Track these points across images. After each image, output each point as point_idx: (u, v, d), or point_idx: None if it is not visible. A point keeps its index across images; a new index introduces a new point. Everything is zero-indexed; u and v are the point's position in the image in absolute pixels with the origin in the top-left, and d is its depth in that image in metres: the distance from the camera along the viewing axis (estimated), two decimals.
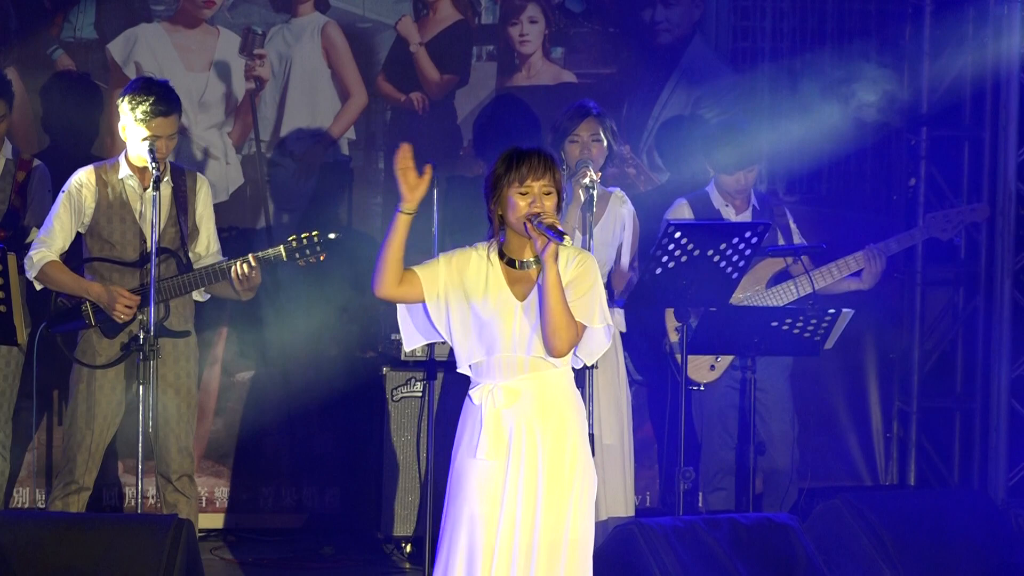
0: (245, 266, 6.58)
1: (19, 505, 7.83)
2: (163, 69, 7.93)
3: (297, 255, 6.68)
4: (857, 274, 7.39)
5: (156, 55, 8.08)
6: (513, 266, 5.18)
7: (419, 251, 7.64)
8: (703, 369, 7.37)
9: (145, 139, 6.52)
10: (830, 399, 8.48)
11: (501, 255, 5.19)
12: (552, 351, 5.12)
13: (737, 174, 7.35)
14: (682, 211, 7.41)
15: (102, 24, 8.05)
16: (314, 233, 6.69)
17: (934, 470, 8.65)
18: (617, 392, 6.97)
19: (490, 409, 5.15)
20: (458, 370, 5.24)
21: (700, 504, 7.95)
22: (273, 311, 8.08)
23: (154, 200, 6.40)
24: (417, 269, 5.18)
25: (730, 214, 7.42)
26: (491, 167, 5.17)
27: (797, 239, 7.50)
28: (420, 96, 8.34)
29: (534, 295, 5.15)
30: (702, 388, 7.36)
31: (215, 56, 8.16)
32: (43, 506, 7.53)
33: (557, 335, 5.09)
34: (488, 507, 5.11)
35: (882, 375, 8.63)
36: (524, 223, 5.07)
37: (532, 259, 5.17)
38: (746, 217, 7.41)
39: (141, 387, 6.40)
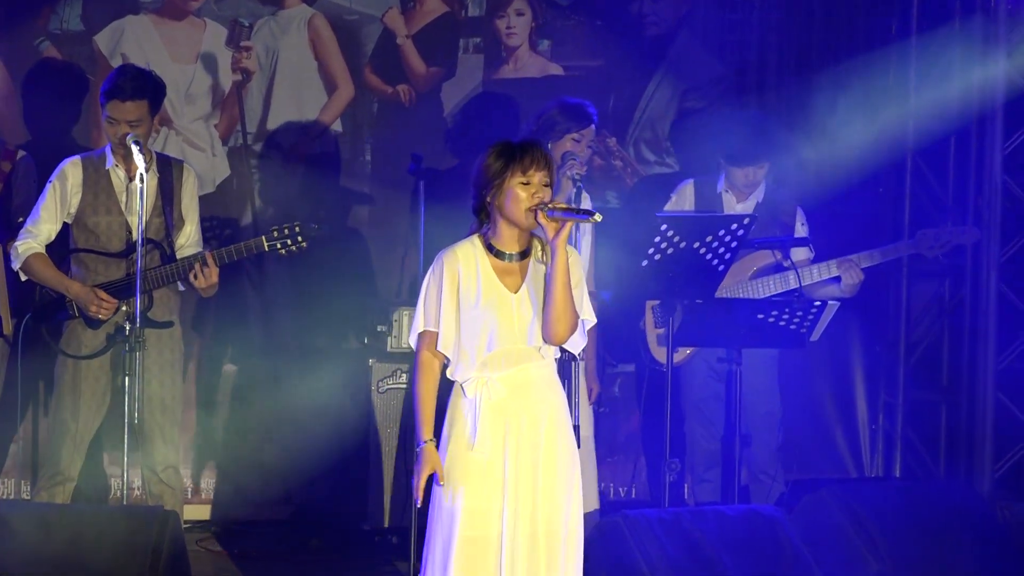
0: (203, 267, 6.57)
1: (4, 496, 7.81)
2: (150, 61, 7.90)
3: (278, 245, 6.68)
4: (837, 279, 7.35)
5: (143, 47, 8.06)
6: (501, 258, 5.19)
7: (408, 243, 7.69)
8: (662, 349, 7.32)
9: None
10: (816, 391, 8.47)
11: (489, 248, 5.20)
12: (553, 337, 5.13)
13: (747, 168, 7.34)
14: (687, 191, 7.44)
15: (89, 16, 8.04)
16: (295, 224, 6.70)
17: (920, 462, 8.65)
18: (587, 384, 7.00)
19: (487, 401, 5.14)
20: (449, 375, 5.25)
21: (687, 496, 7.95)
22: (259, 303, 8.07)
23: (140, 191, 6.39)
24: (438, 340, 5.18)
25: (731, 201, 7.41)
26: (482, 161, 5.16)
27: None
28: (407, 88, 8.33)
29: (526, 286, 5.17)
30: (664, 368, 7.32)
31: (202, 48, 8.15)
32: (28, 497, 7.52)
33: (561, 321, 5.11)
34: (489, 500, 5.11)
35: (868, 367, 8.63)
36: (534, 212, 5.07)
37: (519, 252, 5.19)
38: (747, 207, 7.39)
39: (127, 378, 6.39)
